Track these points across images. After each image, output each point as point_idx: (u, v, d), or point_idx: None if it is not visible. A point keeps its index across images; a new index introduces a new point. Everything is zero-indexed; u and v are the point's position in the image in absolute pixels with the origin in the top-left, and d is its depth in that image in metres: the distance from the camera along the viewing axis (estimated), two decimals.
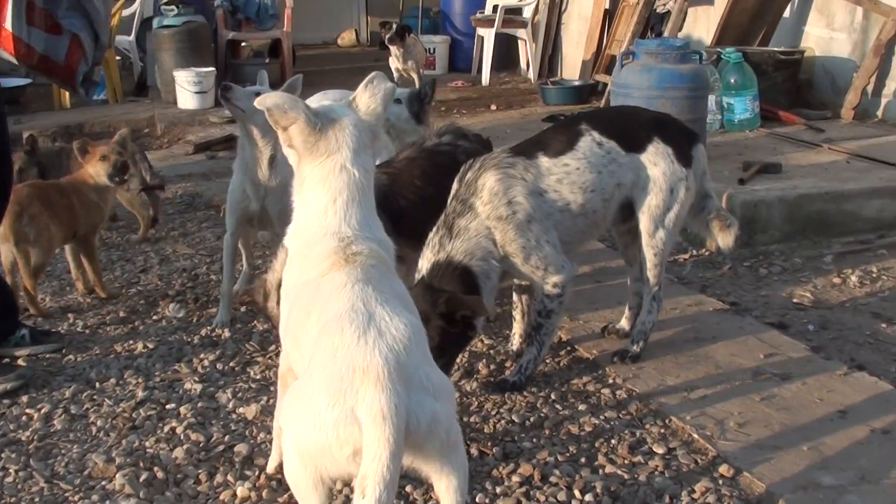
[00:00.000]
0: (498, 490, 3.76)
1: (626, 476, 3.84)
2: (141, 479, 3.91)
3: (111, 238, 7.51)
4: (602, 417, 4.32)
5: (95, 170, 5.96)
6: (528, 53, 14.42)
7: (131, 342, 5.36)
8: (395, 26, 12.28)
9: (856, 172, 7.41)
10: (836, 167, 7.61)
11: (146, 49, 14.32)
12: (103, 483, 3.94)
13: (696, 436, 4.10)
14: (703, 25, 11.25)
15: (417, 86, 6.24)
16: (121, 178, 6.02)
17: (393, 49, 12.20)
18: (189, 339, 5.39)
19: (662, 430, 4.19)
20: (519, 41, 14.77)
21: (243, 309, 5.72)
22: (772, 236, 6.77)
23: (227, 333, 5.43)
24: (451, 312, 4.24)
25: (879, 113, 9.36)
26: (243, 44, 14.84)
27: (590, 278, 6.01)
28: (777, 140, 8.67)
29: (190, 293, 6.14)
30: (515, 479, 3.83)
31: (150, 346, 5.30)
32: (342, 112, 3.19)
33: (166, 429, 4.37)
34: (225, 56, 13.99)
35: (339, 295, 2.83)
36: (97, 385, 4.84)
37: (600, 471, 3.89)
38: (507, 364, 4.90)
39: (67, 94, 12.81)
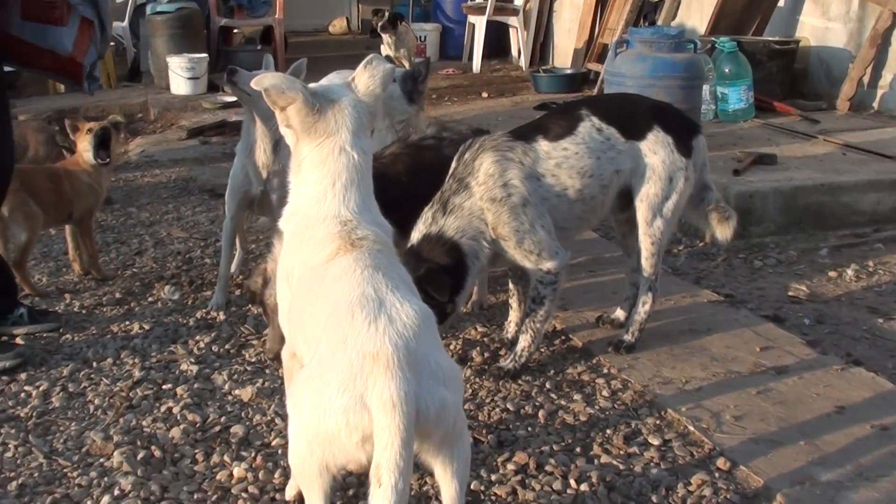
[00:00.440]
0: (493, 478, 3.77)
1: (621, 466, 3.85)
2: (138, 458, 3.94)
3: (106, 221, 7.51)
4: (597, 407, 4.33)
5: (84, 145, 5.97)
6: (519, 41, 14.43)
7: (127, 323, 5.38)
8: (387, 14, 12.31)
9: (852, 164, 7.43)
10: (832, 159, 7.62)
11: (139, 35, 14.33)
12: (101, 460, 3.97)
13: (691, 428, 4.10)
14: (696, 14, 11.25)
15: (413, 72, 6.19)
16: (104, 154, 5.99)
17: (385, 37, 12.23)
18: (184, 322, 5.41)
19: (658, 422, 4.20)
20: (510, 29, 14.80)
21: (238, 292, 5.74)
22: (767, 228, 6.78)
23: (222, 316, 5.45)
24: (437, 280, 4.29)
25: (875, 104, 9.38)
26: (235, 30, 14.84)
27: (584, 268, 6.02)
28: (772, 131, 8.68)
29: (185, 276, 6.15)
30: (510, 467, 3.84)
31: (146, 327, 5.31)
32: (341, 92, 3.18)
33: (163, 409, 4.39)
34: (217, 42, 13.99)
35: (349, 280, 2.83)
36: (94, 364, 4.87)
37: (595, 461, 3.90)
38: (502, 352, 4.91)
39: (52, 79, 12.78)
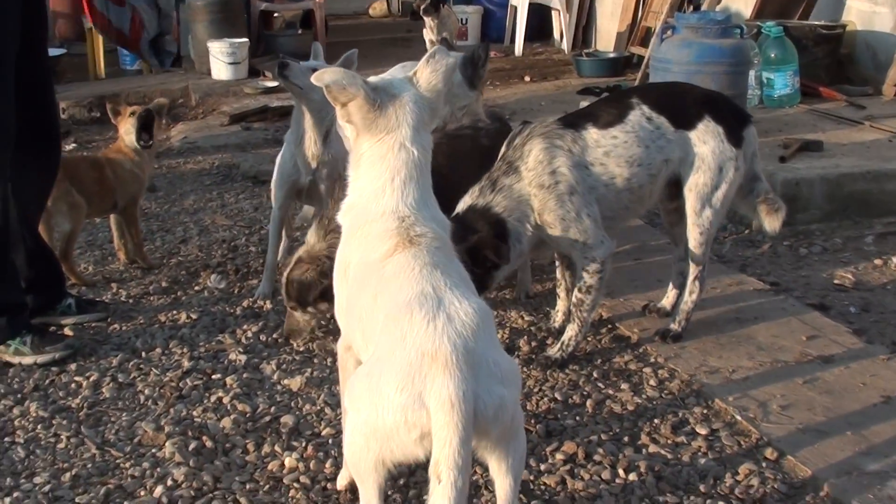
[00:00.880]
0: (542, 468, 3.79)
1: (669, 456, 3.86)
2: (190, 448, 3.97)
3: (150, 209, 7.55)
4: (644, 397, 4.34)
5: (126, 128, 6.00)
6: (561, 24, 14.31)
7: (174, 312, 5.41)
8: None
9: None
10: (878, 146, 7.56)
11: (179, 20, 14.34)
12: (153, 451, 4.00)
13: (738, 417, 4.10)
14: None
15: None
16: (146, 136, 6.02)
17: (427, 20, 12.12)
18: (231, 311, 5.43)
19: (705, 411, 4.20)
20: (552, 11, 14.64)
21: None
22: (812, 215, 6.75)
23: (268, 305, 5.47)
24: (479, 250, 4.30)
25: None
26: (276, 14, 14.79)
27: (629, 256, 6.02)
28: (817, 117, 8.61)
29: (230, 264, 6.18)
30: (559, 456, 3.85)
31: (194, 316, 5.34)
32: (402, 88, 3.17)
33: (213, 398, 4.42)
34: (258, 27, 13.97)
35: (408, 278, 2.84)
36: (143, 354, 4.90)
37: (643, 450, 3.91)
38: (549, 341, 4.91)
39: (102, 64, 12.85)
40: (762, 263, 6.16)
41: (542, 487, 3.67)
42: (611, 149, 4.51)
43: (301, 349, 4.90)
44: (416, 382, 2.58)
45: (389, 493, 3.58)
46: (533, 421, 4.11)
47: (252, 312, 5.39)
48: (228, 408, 4.32)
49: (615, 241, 4.66)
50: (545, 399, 4.33)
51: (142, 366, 4.78)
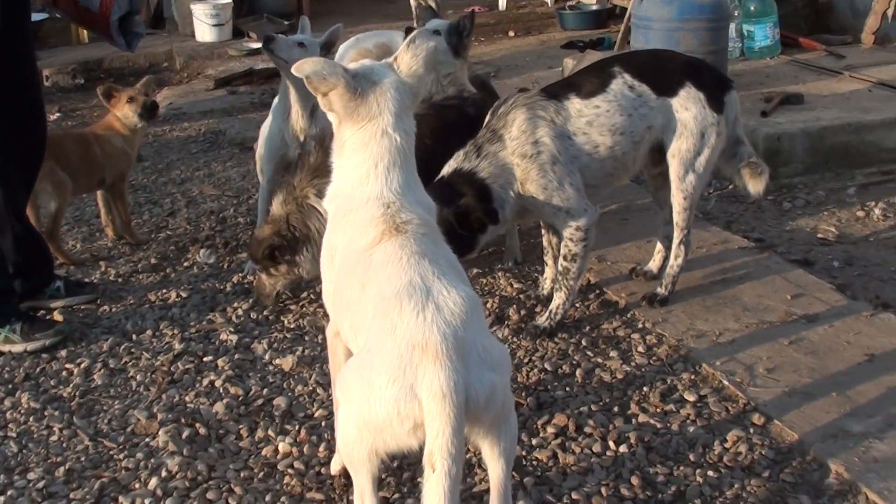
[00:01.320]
0: (534, 442, 3.83)
1: (658, 425, 3.90)
2: (184, 436, 3.98)
3: (137, 180, 7.53)
4: (633, 364, 4.38)
5: (124, 112, 5.98)
6: None
7: (164, 291, 5.42)
8: None
9: (878, 102, 7.37)
10: (858, 96, 7.56)
11: None
12: (147, 440, 4.01)
13: (726, 382, 4.15)
14: None
15: (437, 15, 6.14)
16: (151, 115, 6.07)
17: None
18: (221, 287, 5.44)
19: (693, 377, 4.25)
20: None
21: None
22: (794, 169, 6.78)
23: None
24: (467, 214, 4.36)
25: None
26: None
27: (616, 216, 6.06)
28: (798, 67, 8.60)
29: (219, 237, 6.19)
30: (550, 430, 3.89)
31: (184, 294, 5.35)
32: (383, 74, 3.16)
33: (205, 382, 4.43)
34: None
35: (395, 269, 2.85)
36: (134, 337, 4.91)
37: (633, 420, 3.96)
38: (538, 309, 4.95)
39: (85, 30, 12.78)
40: (747, 219, 6.20)
41: (535, 463, 3.70)
42: (593, 118, 4.54)
43: (292, 326, 4.92)
44: (408, 374, 2.60)
45: (383, 476, 3.61)
46: (524, 394, 4.14)
47: (242, 288, 5.40)
48: (221, 391, 4.34)
49: (599, 208, 4.69)
50: (535, 370, 4.37)
51: (132, 349, 4.78)
